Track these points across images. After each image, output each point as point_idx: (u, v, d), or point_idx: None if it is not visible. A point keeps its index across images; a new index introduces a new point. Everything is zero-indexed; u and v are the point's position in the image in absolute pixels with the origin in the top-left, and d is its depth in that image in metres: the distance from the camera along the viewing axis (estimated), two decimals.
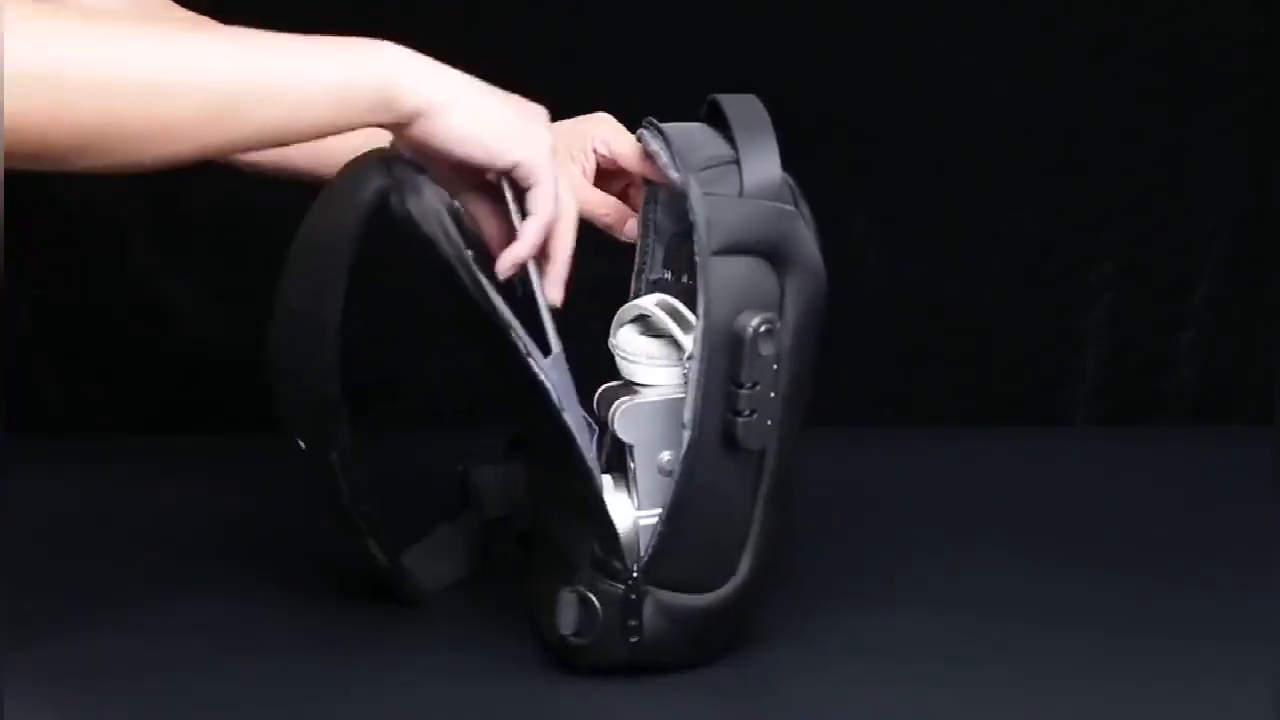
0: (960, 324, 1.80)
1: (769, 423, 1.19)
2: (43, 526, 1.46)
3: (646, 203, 1.30)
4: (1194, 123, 1.78)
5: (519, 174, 1.17)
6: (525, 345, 1.17)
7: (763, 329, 1.17)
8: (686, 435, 1.17)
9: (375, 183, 1.17)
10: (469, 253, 1.16)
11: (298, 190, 1.80)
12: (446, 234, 1.16)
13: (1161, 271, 1.80)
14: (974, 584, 1.39)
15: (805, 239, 1.19)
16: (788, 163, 1.20)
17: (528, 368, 1.17)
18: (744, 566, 1.21)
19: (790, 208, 1.19)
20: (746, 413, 1.18)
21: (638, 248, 1.31)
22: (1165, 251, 1.80)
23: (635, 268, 1.30)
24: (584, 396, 1.22)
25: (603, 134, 1.34)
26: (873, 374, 1.80)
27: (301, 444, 1.23)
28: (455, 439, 1.46)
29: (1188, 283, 1.80)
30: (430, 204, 1.16)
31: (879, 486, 1.60)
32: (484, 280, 1.16)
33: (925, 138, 1.77)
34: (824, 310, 1.21)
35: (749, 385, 1.17)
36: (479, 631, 1.28)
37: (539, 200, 1.18)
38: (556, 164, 1.19)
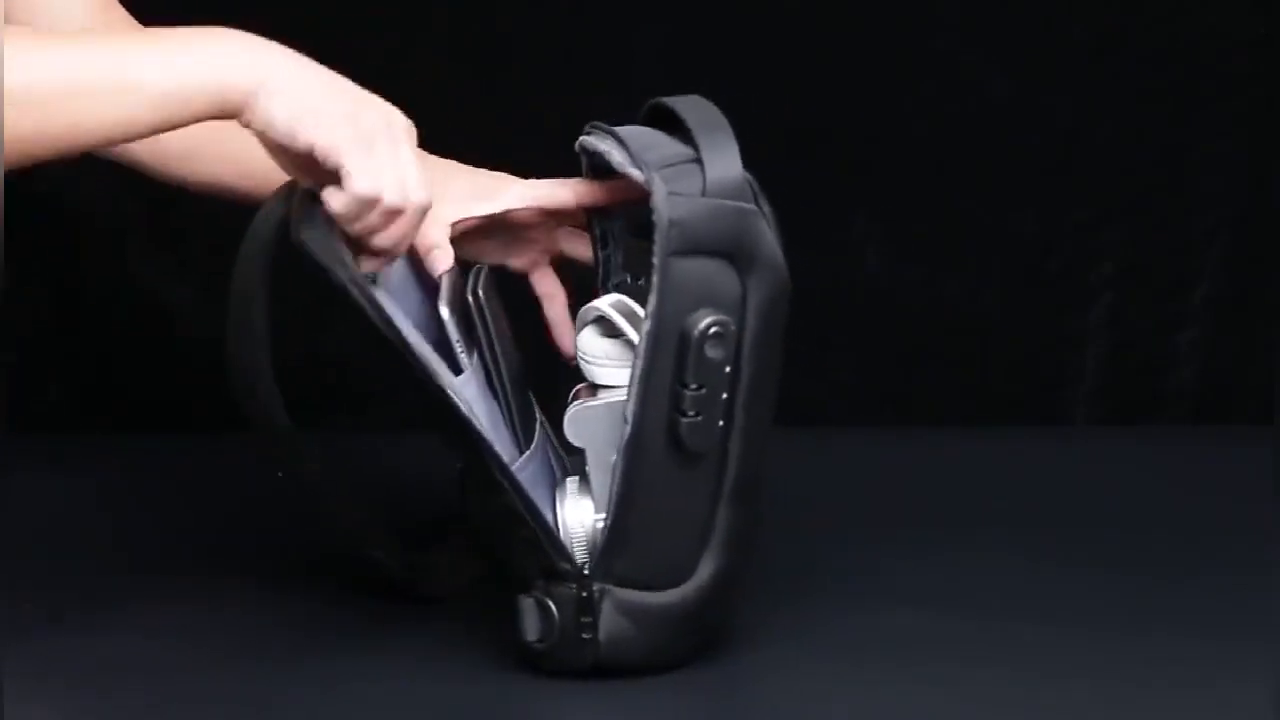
0: (960, 324, 1.80)
1: (719, 424, 1.18)
2: (43, 526, 1.45)
3: (600, 216, 1.30)
4: (1194, 123, 1.78)
5: (319, 158, 1.16)
6: (430, 365, 1.17)
7: (711, 331, 1.16)
8: (626, 431, 1.17)
9: (275, 216, 1.18)
10: (362, 276, 1.17)
11: None
12: (341, 260, 1.16)
13: (1161, 271, 1.80)
14: (973, 584, 1.38)
15: (767, 238, 1.18)
16: (788, 163, 1.20)
17: (433, 388, 1.17)
18: (706, 567, 1.20)
19: (752, 206, 1.18)
20: (691, 414, 1.17)
21: (597, 258, 1.30)
22: (1165, 251, 1.80)
23: (599, 278, 1.30)
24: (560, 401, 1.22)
25: (515, 195, 1.34)
26: (873, 374, 1.80)
27: (279, 474, 1.24)
28: None
29: (1188, 283, 1.80)
30: (322, 231, 1.17)
31: (879, 486, 1.60)
32: (383, 303, 1.16)
33: (925, 138, 1.77)
34: (786, 310, 1.20)
35: (694, 387, 1.17)
36: (479, 634, 1.28)
37: (351, 179, 1.16)
38: (410, 155, 1.18)
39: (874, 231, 1.79)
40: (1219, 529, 1.50)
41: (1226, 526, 1.50)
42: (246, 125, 1.16)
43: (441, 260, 1.26)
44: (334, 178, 1.17)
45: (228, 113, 1.16)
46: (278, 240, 1.18)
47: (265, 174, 1.22)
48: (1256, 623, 1.30)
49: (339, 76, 1.18)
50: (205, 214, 1.73)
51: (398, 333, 1.17)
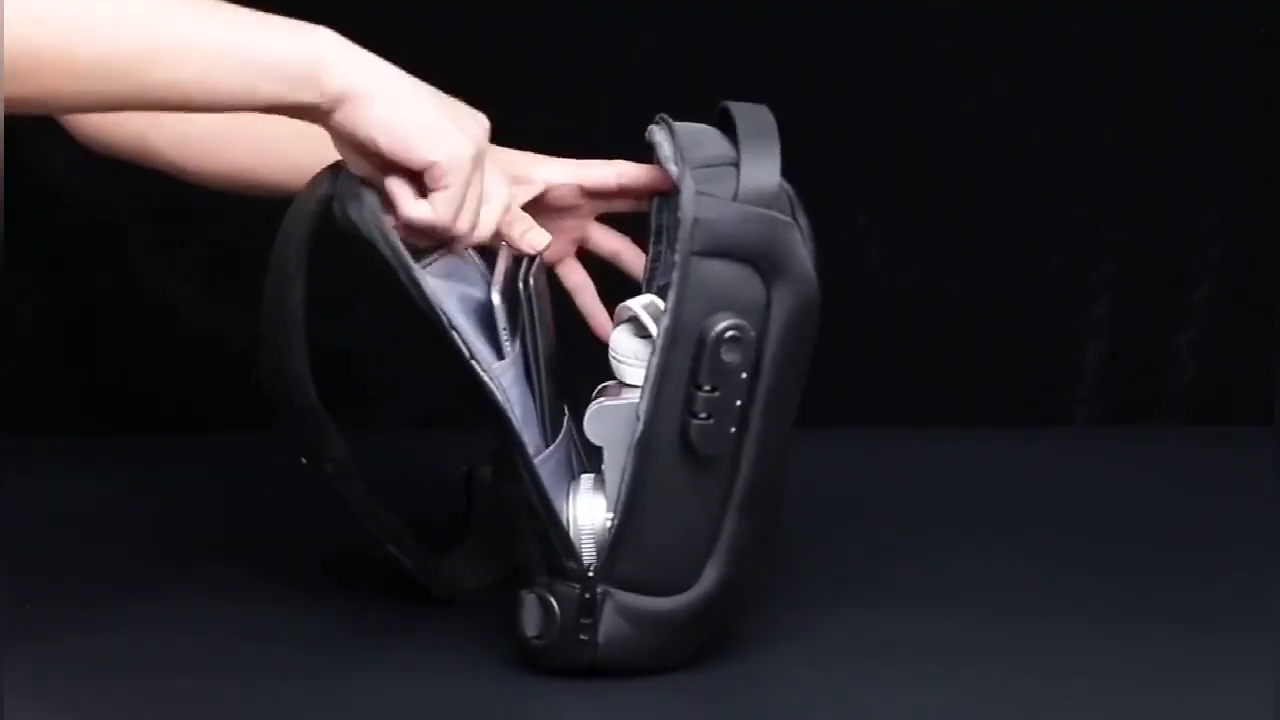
0: (960, 324, 1.80)
1: (731, 430, 1.18)
2: (43, 526, 1.45)
3: (658, 210, 1.29)
4: (1194, 123, 1.78)
5: (432, 175, 1.16)
6: (469, 348, 1.17)
7: (728, 334, 1.16)
8: (637, 429, 1.17)
9: (320, 192, 1.18)
10: (409, 257, 1.17)
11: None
12: (385, 239, 1.16)
13: (1161, 272, 1.80)
14: (973, 584, 1.38)
15: (798, 250, 1.18)
16: (788, 163, 1.20)
17: (471, 370, 1.17)
18: (710, 574, 1.20)
19: (785, 217, 1.18)
20: (703, 416, 1.17)
21: (649, 254, 1.30)
22: (1165, 252, 1.80)
23: (645, 274, 1.30)
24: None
25: (545, 173, 1.33)
26: (873, 374, 1.80)
27: (303, 459, 1.24)
28: (461, 441, 1.45)
29: (1187, 283, 1.80)
30: (370, 210, 1.17)
31: (879, 486, 1.60)
32: (429, 286, 1.17)
33: (925, 137, 1.77)
34: (814, 325, 1.19)
35: (708, 389, 1.17)
36: (479, 634, 1.28)
37: (439, 205, 1.17)
38: (487, 171, 1.19)
39: (874, 231, 1.79)
40: (1218, 529, 1.50)
41: (1226, 527, 1.50)
42: (334, 119, 1.14)
43: (540, 237, 1.24)
44: (408, 179, 1.17)
45: (316, 98, 1.14)
46: (321, 220, 1.18)
47: (292, 159, 1.21)
48: (1256, 622, 1.30)
49: (429, 87, 1.18)
50: (206, 214, 1.74)
51: (440, 317, 1.17)
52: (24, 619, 1.27)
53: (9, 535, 1.39)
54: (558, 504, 1.19)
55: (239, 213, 1.68)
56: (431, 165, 1.16)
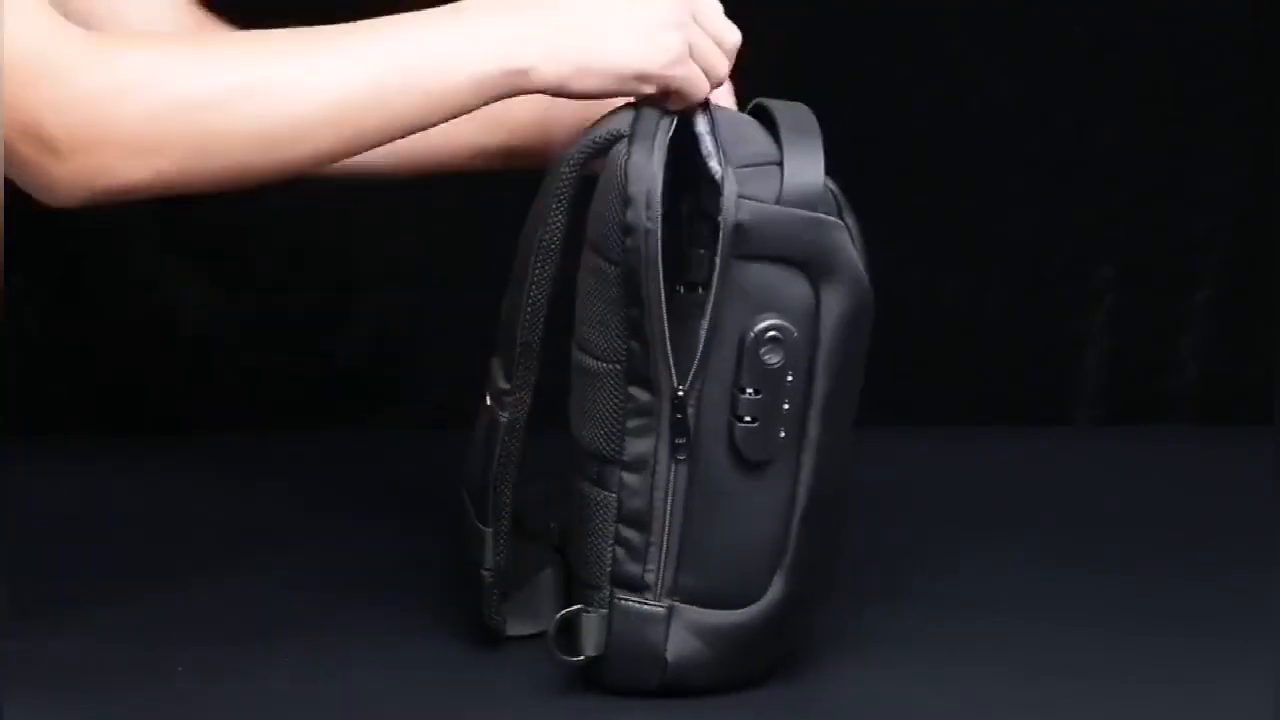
0: (961, 325, 1.80)
1: (779, 435, 1.16)
2: (43, 526, 1.45)
3: (676, 198, 1.27)
4: (1195, 124, 1.78)
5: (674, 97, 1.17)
6: (667, 353, 1.15)
7: (768, 335, 1.15)
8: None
9: (612, 125, 1.18)
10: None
11: (298, 191, 1.80)
12: (649, 202, 1.14)
13: (1163, 273, 1.80)
14: (973, 584, 1.38)
15: (846, 250, 1.16)
16: None
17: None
18: (778, 585, 1.18)
19: (831, 218, 1.16)
20: (747, 420, 1.16)
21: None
22: (1167, 253, 1.80)
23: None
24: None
25: None
26: (873, 374, 1.79)
27: (487, 398, 1.22)
28: (461, 441, 1.45)
29: (1189, 284, 1.80)
30: (650, 169, 1.15)
31: (879, 486, 1.59)
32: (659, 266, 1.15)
33: (925, 138, 1.77)
34: (868, 328, 1.18)
35: (750, 391, 1.15)
36: (471, 632, 1.27)
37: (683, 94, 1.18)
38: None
39: (874, 232, 1.79)
40: (1219, 529, 1.50)
41: (1227, 527, 1.50)
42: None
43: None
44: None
45: (518, 90, 1.15)
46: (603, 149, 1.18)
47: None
48: (1256, 623, 1.30)
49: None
50: (208, 214, 1.74)
51: (658, 303, 1.15)
52: (24, 619, 1.27)
53: (9, 535, 1.39)
54: None
55: (241, 214, 1.69)
56: (653, 79, 1.16)
